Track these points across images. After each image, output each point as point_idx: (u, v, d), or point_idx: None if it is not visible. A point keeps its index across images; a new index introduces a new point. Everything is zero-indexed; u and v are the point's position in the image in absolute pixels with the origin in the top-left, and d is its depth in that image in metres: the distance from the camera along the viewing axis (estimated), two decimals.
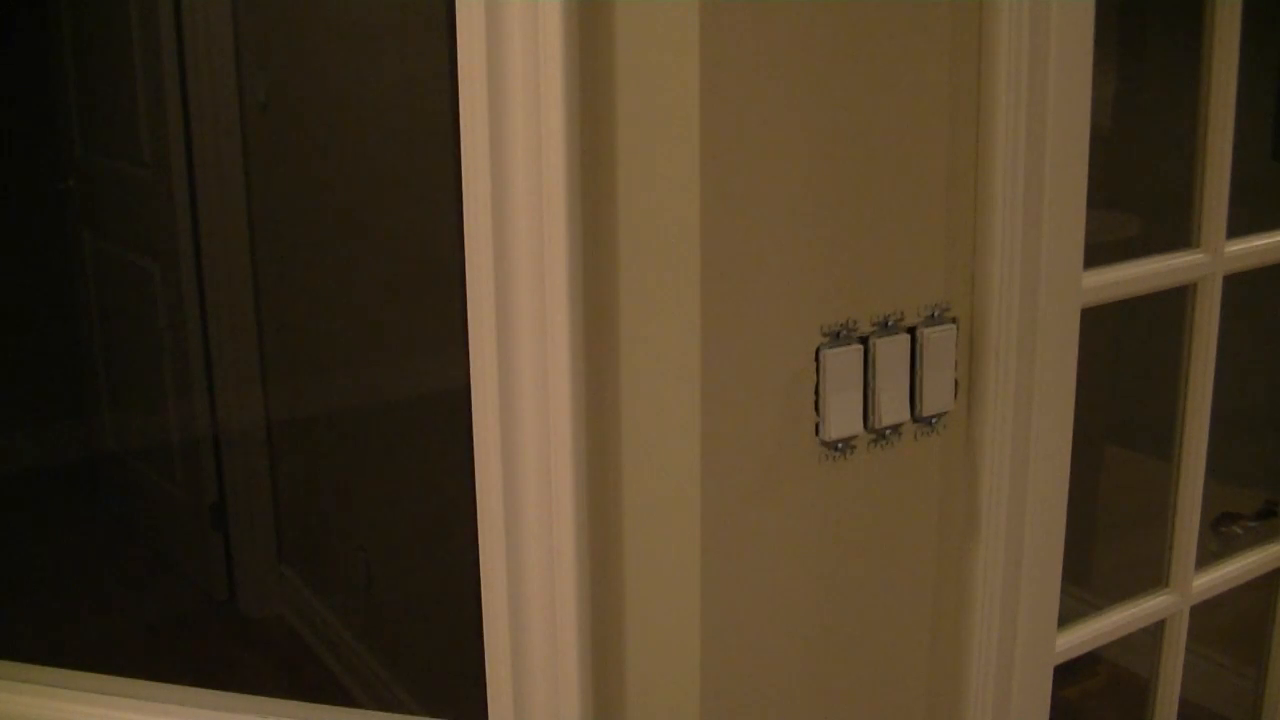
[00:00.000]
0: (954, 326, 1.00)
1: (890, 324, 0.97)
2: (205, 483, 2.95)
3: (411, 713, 2.38)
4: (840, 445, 0.96)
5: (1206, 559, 1.37)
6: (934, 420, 1.01)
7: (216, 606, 2.96)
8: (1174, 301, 1.28)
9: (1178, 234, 1.26)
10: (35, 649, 2.72)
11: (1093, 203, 1.05)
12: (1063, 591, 1.13)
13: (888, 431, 0.98)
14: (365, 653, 2.63)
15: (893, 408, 0.97)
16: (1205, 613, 1.37)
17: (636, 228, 0.90)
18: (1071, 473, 1.10)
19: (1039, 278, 1.02)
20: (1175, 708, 1.39)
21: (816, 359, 0.94)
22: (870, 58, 0.92)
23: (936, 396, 1.00)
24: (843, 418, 0.95)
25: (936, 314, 1.00)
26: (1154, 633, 1.36)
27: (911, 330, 0.98)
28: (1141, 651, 1.41)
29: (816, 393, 0.94)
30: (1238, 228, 1.26)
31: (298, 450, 2.90)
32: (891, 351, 0.97)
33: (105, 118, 3.11)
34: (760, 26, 0.86)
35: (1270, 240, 1.32)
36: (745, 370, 0.91)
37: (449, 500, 2.22)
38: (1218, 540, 1.48)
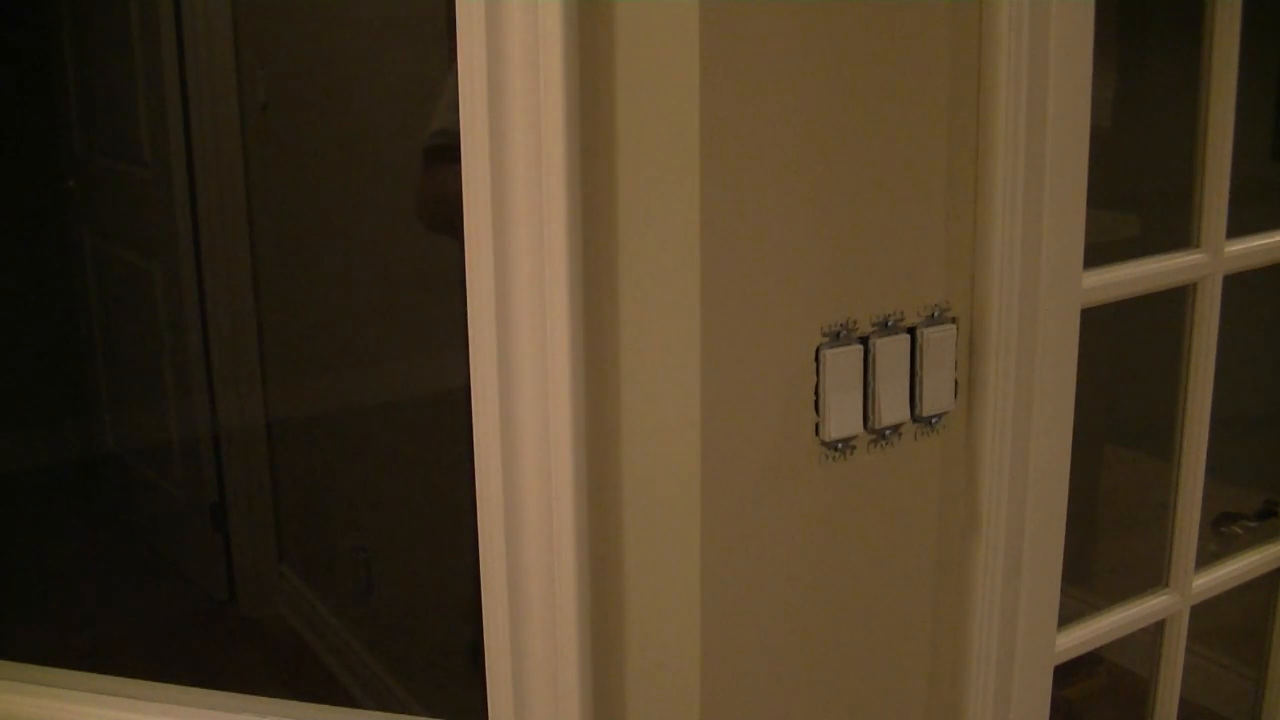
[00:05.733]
0: (954, 326, 1.00)
1: (890, 324, 0.97)
2: (205, 483, 2.95)
3: (412, 713, 2.38)
4: (840, 445, 0.96)
5: (1206, 559, 1.37)
6: (934, 420, 1.01)
7: (216, 606, 2.96)
8: (1174, 301, 1.28)
9: (1178, 234, 1.26)
10: (35, 649, 2.72)
11: (1093, 203, 1.05)
12: (1063, 591, 1.13)
13: (888, 431, 0.99)
14: (365, 653, 2.63)
15: (893, 408, 0.97)
16: (1205, 613, 1.37)
17: (636, 228, 0.90)
18: (1071, 473, 1.10)
19: (1039, 278, 1.02)
20: (1175, 708, 1.39)
21: (816, 359, 0.94)
22: (870, 58, 0.92)
23: (936, 396, 1.00)
24: (843, 418, 0.95)
25: (936, 314, 1.00)
26: (1154, 633, 1.36)
27: (911, 330, 0.98)
28: (1141, 651, 1.41)
29: (816, 393, 0.94)
30: (1238, 228, 1.26)
31: (298, 450, 2.90)
32: (891, 351, 0.97)
33: (105, 118, 3.11)
34: (760, 27, 0.86)
35: (1270, 240, 1.32)
36: (745, 370, 0.91)
37: (449, 500, 2.22)
38: (1218, 540, 1.48)
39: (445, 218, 1.74)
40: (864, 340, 0.96)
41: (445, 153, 1.68)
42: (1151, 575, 1.35)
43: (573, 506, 0.93)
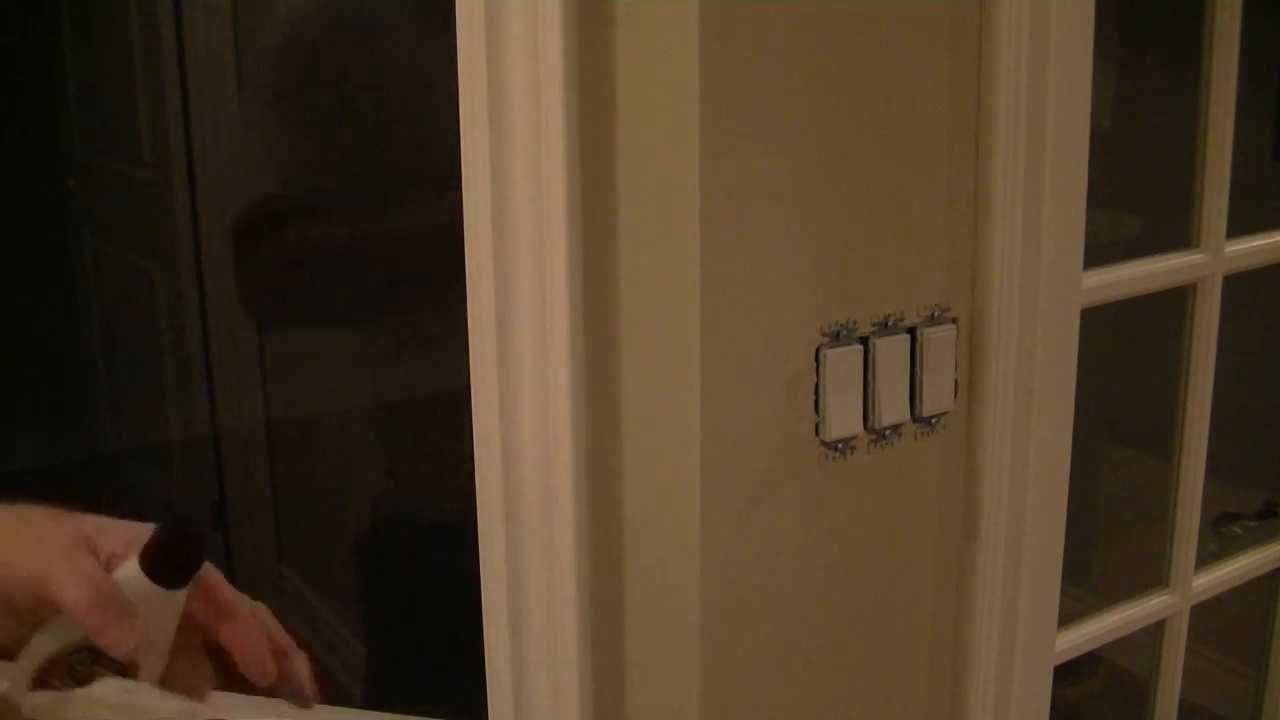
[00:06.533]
0: (954, 326, 1.00)
1: (890, 324, 0.97)
2: (205, 483, 2.95)
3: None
4: (840, 445, 0.96)
5: (1206, 559, 1.37)
6: (934, 420, 1.01)
7: None
8: (1174, 301, 1.28)
9: (1178, 234, 1.26)
10: None
11: (1093, 203, 1.05)
12: (1063, 591, 1.13)
13: (888, 431, 0.98)
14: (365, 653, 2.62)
15: (893, 408, 0.97)
16: (1205, 613, 1.37)
17: (636, 228, 0.90)
18: (1071, 473, 1.10)
19: (1039, 278, 1.02)
20: (1175, 708, 1.39)
21: (816, 359, 0.94)
22: (870, 57, 0.92)
23: (936, 396, 1.00)
24: (843, 418, 0.95)
25: (936, 314, 1.00)
26: (1154, 633, 1.36)
27: (911, 330, 0.98)
28: (1141, 651, 1.41)
29: (816, 393, 0.94)
30: (1238, 228, 1.26)
31: (298, 450, 2.89)
32: (891, 351, 0.97)
33: (105, 118, 3.11)
34: (760, 27, 0.86)
35: (1270, 240, 1.32)
36: (745, 370, 0.91)
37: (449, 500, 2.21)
38: (1218, 540, 1.48)
39: (288, 301, 1.55)
40: (864, 340, 0.96)
41: (279, 222, 1.43)
42: (1151, 575, 1.35)
43: (573, 506, 0.93)
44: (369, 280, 1.48)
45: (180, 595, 0.65)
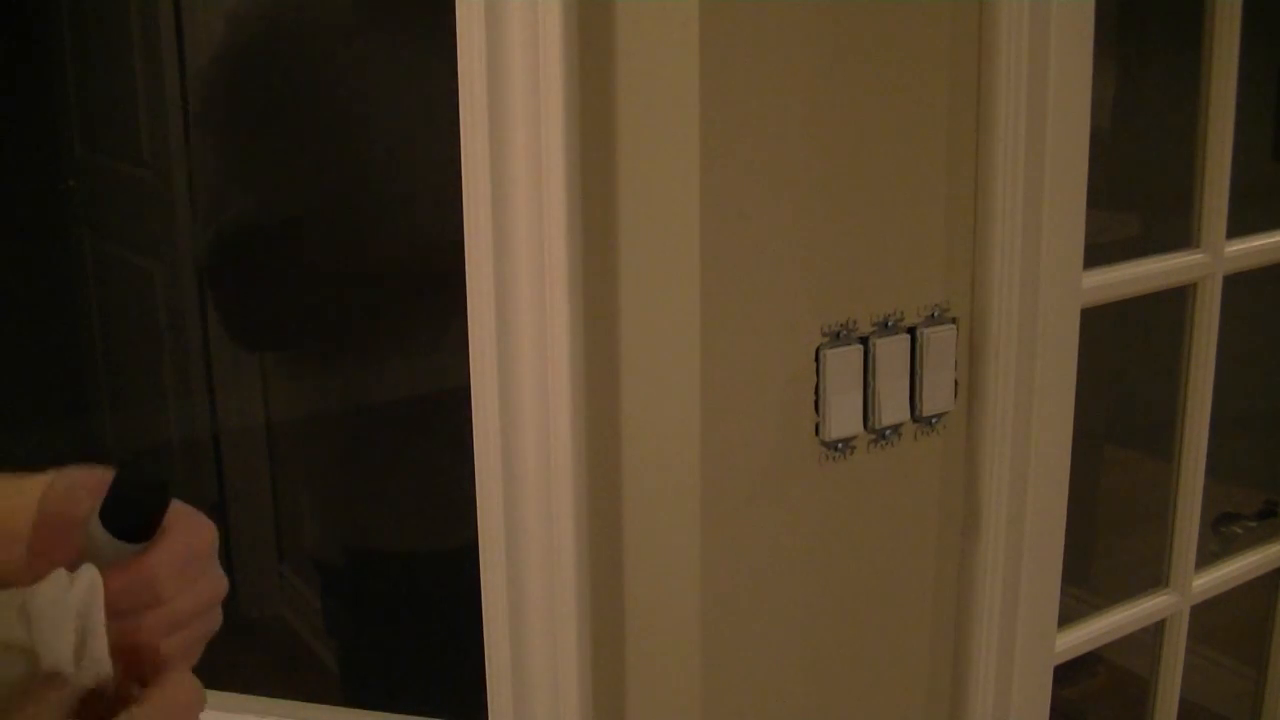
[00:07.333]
0: (954, 326, 1.00)
1: (890, 324, 0.97)
2: (205, 483, 2.95)
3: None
4: (840, 445, 0.96)
5: (1206, 559, 1.37)
6: (934, 420, 1.01)
7: None
8: (1174, 301, 1.28)
9: (1178, 234, 1.26)
10: None
11: (1093, 203, 1.05)
12: (1063, 591, 1.13)
13: (888, 431, 0.98)
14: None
15: (893, 408, 0.97)
16: (1205, 613, 1.37)
17: (636, 228, 0.90)
18: (1071, 473, 1.10)
19: (1039, 278, 1.02)
20: (1175, 708, 1.39)
21: (816, 359, 0.94)
22: (870, 57, 0.92)
23: (936, 396, 1.00)
24: (843, 418, 0.95)
25: (936, 314, 1.00)
26: (1154, 633, 1.36)
27: (911, 330, 0.98)
28: (1141, 651, 1.41)
29: (816, 393, 0.94)
30: (1238, 228, 1.26)
31: (298, 450, 2.89)
32: (891, 351, 0.97)
33: (105, 118, 3.11)
34: (760, 27, 0.86)
35: (1270, 240, 1.32)
36: (745, 370, 0.91)
37: (449, 500, 2.21)
38: (1218, 540, 1.48)
39: (279, 326, 1.51)
40: (864, 340, 0.96)
41: (255, 240, 1.37)
42: (1151, 575, 1.35)
43: (573, 506, 0.93)
44: (360, 294, 1.46)
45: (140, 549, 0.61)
